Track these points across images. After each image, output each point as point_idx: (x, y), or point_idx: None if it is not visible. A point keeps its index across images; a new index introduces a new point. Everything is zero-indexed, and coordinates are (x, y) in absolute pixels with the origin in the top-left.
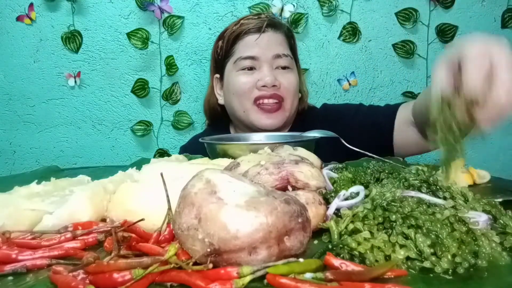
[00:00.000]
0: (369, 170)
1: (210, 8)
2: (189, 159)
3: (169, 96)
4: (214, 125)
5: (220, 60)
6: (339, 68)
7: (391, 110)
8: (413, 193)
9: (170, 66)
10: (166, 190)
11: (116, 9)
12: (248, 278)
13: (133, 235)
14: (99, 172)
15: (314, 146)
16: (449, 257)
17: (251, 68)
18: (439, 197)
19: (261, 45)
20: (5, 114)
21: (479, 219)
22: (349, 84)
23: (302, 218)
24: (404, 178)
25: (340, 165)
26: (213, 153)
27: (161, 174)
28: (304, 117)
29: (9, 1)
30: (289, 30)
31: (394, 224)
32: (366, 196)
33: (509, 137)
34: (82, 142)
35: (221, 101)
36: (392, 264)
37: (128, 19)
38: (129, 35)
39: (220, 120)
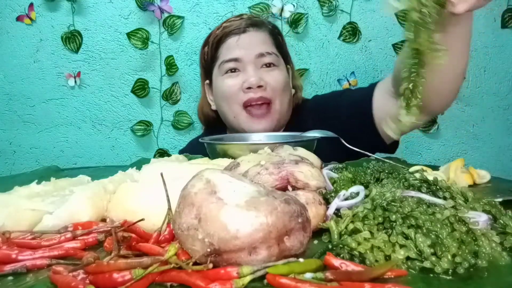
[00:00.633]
0: (369, 170)
1: (210, 8)
2: (189, 159)
3: (169, 96)
4: (210, 129)
5: (207, 66)
6: (339, 68)
7: (370, 87)
8: (413, 193)
9: (170, 66)
10: (166, 190)
11: (116, 9)
12: (248, 278)
13: (133, 235)
14: (99, 172)
15: (314, 146)
16: (449, 257)
17: (235, 70)
18: (439, 197)
19: (243, 46)
20: (5, 114)
21: (479, 219)
22: (349, 84)
23: (302, 218)
24: (404, 178)
25: (340, 165)
26: (213, 153)
27: (161, 174)
28: (297, 111)
29: (9, 1)
30: (274, 27)
31: (394, 224)
32: (366, 196)
33: (509, 137)
34: (82, 142)
35: (213, 106)
36: (392, 264)
37: (128, 19)
38: (129, 35)
39: (216, 126)
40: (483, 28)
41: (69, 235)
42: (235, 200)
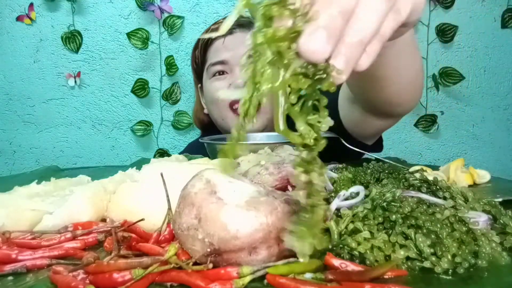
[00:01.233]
0: (369, 170)
1: (210, 8)
2: (189, 159)
3: (169, 96)
4: (206, 133)
5: (198, 69)
6: None
7: (337, 93)
8: (413, 193)
9: (170, 66)
10: (166, 190)
11: (116, 9)
12: (248, 278)
13: (133, 235)
14: (99, 172)
15: None
16: (449, 257)
17: (223, 73)
18: (439, 197)
19: (229, 48)
20: (5, 114)
21: (479, 219)
22: None
23: None
24: (404, 178)
25: (340, 165)
26: (213, 153)
27: (161, 174)
28: None
29: (9, 1)
30: None
31: (394, 224)
32: (366, 196)
33: (509, 137)
34: (82, 142)
35: (206, 110)
36: (392, 264)
37: (128, 19)
38: (129, 35)
39: (210, 130)
40: (483, 28)
41: (69, 235)
42: (235, 200)
